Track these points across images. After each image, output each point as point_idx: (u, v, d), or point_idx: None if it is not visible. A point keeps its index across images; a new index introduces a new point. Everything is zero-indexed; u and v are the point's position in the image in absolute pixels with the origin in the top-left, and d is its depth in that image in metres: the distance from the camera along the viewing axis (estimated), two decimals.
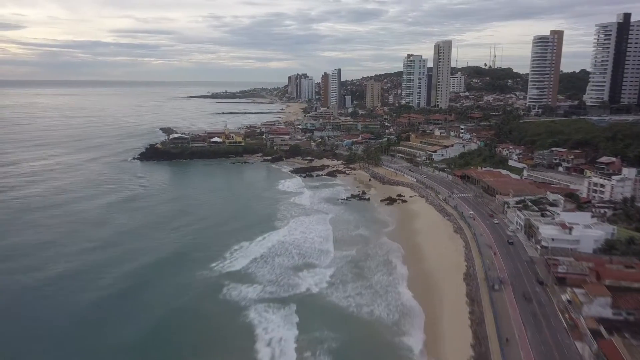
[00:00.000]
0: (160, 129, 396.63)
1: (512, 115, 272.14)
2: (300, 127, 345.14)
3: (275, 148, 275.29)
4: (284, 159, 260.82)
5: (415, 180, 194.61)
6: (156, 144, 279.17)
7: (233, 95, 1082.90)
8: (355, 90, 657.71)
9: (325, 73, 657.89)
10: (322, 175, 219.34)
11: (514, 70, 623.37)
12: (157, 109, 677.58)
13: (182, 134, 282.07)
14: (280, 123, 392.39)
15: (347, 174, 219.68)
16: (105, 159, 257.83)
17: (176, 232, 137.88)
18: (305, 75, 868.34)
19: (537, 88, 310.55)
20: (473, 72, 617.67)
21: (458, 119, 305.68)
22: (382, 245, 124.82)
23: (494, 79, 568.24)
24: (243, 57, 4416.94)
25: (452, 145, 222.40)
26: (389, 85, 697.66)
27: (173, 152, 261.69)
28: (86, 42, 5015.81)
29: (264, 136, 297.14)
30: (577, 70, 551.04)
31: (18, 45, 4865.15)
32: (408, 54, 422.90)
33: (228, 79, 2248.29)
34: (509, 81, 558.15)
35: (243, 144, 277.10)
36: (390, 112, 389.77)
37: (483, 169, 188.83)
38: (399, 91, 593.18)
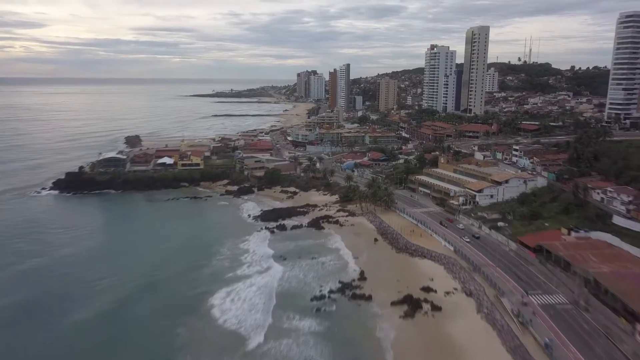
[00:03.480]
0: (126, 137, 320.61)
1: (594, 130, 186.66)
2: (290, 138, 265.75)
3: (246, 173, 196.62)
4: (255, 190, 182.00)
5: (451, 247, 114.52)
6: (84, 167, 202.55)
7: (239, 94, 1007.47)
8: (368, 89, 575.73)
9: (334, 70, 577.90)
10: (302, 226, 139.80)
11: (553, 66, 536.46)
12: (151, 110, 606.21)
13: (120, 152, 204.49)
14: (265, 133, 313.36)
15: (342, 225, 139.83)
16: (10, 189, 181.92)
17: None
18: (314, 72, 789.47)
19: (624, 89, 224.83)
20: (505, 68, 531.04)
21: (502, 131, 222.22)
22: None
23: (531, 76, 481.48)
24: (261, 54, 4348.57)
25: (506, 182, 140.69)
26: (407, 83, 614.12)
27: (99, 180, 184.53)
28: (107, 40, 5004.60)
29: (234, 155, 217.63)
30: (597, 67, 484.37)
31: (41, 44, 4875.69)
32: (432, 45, 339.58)
33: (246, 77, 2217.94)
34: (551, 79, 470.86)
35: (201, 167, 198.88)
36: (408, 118, 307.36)
37: (573, 232, 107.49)
38: (419, 90, 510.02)
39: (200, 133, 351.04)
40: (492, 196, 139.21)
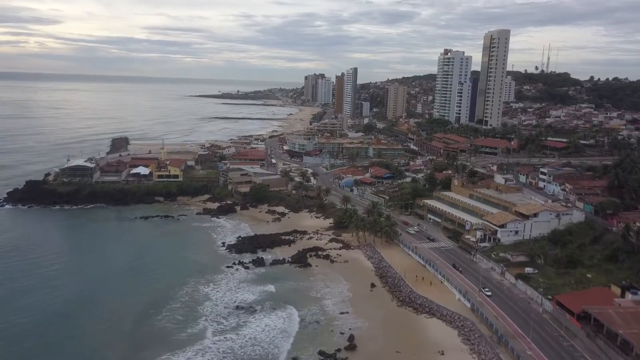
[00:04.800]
0: (112, 140, 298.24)
1: (637, 153, 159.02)
2: (286, 147, 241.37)
3: (230, 188, 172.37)
4: (238, 209, 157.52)
5: (468, 303, 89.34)
6: (50, 174, 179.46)
7: (245, 96, 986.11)
8: (376, 95, 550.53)
9: (342, 73, 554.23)
10: (284, 261, 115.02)
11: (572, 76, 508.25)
12: (152, 110, 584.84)
13: (90, 159, 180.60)
14: (261, 140, 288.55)
15: (333, 261, 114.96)
16: None
17: None
18: (322, 76, 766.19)
19: None
20: (522, 77, 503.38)
21: (525, 148, 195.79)
22: None
23: (550, 86, 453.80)
24: (273, 56, 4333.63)
25: (535, 215, 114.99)
26: (417, 89, 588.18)
27: (61, 192, 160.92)
28: (120, 38, 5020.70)
29: (220, 167, 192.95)
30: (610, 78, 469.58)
31: (56, 40, 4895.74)
32: (445, 50, 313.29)
33: (256, 79, 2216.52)
34: (570, 89, 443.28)
35: (180, 178, 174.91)
36: (418, 129, 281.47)
37: (630, 294, 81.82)
38: (430, 98, 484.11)
39: (193, 137, 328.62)
40: (516, 232, 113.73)
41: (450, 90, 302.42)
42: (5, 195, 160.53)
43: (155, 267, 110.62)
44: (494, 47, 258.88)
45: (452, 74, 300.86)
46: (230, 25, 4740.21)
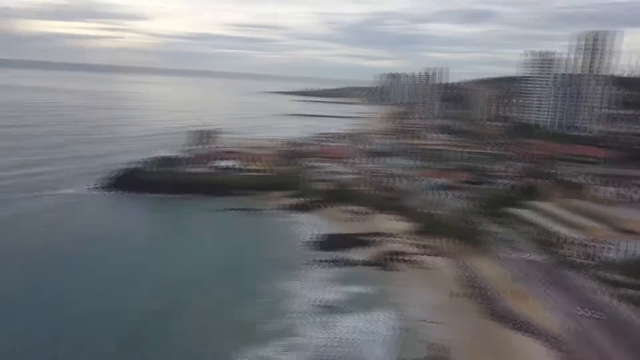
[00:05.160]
0: (198, 132, 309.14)
1: None
2: (366, 147, 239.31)
3: (311, 185, 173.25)
4: (318, 206, 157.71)
5: (567, 324, 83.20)
6: (141, 163, 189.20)
7: (321, 93, 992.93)
8: (457, 96, 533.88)
9: (424, 73, 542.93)
10: (364, 263, 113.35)
11: None
12: (232, 105, 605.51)
13: (180, 150, 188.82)
14: (340, 138, 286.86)
15: (417, 265, 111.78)
16: (58, 184, 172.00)
17: None
18: (400, 75, 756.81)
19: None
20: (617, 82, 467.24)
21: (629, 160, 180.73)
22: None
23: None
24: (350, 54, 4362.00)
25: None
26: (497, 92, 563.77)
27: (153, 180, 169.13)
28: (202, 34, 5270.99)
29: (302, 164, 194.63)
30: None
31: (146, 35, 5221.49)
32: (532, 51, 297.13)
33: (332, 76, 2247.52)
34: None
35: (264, 174, 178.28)
36: (503, 133, 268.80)
37: None
38: (514, 101, 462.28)
39: (274, 133, 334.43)
40: (625, 252, 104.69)
41: (538, 94, 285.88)
42: (102, 181, 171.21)
43: (240, 259, 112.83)
44: (589, 48, 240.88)
45: (539, 77, 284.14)
46: (309, 23, 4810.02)
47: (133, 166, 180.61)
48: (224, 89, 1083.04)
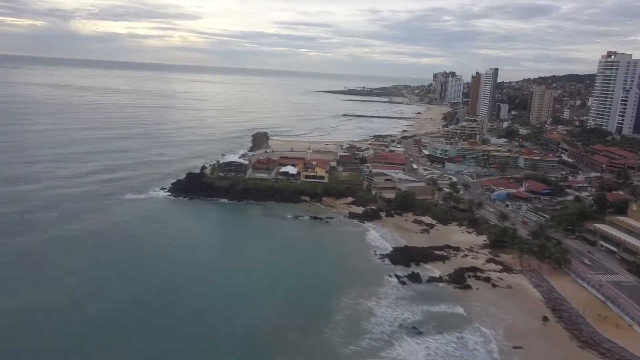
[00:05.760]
0: (253, 135, 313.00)
1: None
2: (426, 152, 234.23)
3: (374, 193, 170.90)
4: (383, 215, 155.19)
5: None
6: (205, 167, 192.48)
7: (371, 93, 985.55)
8: (513, 97, 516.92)
9: (477, 72, 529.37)
10: (441, 279, 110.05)
11: None
12: (282, 105, 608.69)
13: (243, 156, 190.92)
14: (397, 142, 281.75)
15: (494, 285, 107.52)
16: (132, 185, 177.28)
17: None
18: (452, 74, 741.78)
19: None
20: None
21: None
22: None
23: None
24: (396, 52, 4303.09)
25: None
26: (559, 92, 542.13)
27: (218, 185, 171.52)
28: (252, 32, 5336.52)
29: (362, 170, 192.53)
30: None
31: (195, 34, 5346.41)
32: (608, 52, 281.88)
33: (379, 74, 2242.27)
34: None
35: (326, 180, 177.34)
36: (571, 138, 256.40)
37: None
38: (577, 102, 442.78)
39: (327, 135, 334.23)
40: None
41: (612, 97, 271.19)
42: (170, 185, 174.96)
43: (312, 272, 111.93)
44: None
45: (615, 79, 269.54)
46: (356, 20, 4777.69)
47: (200, 171, 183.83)
48: (274, 87, 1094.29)
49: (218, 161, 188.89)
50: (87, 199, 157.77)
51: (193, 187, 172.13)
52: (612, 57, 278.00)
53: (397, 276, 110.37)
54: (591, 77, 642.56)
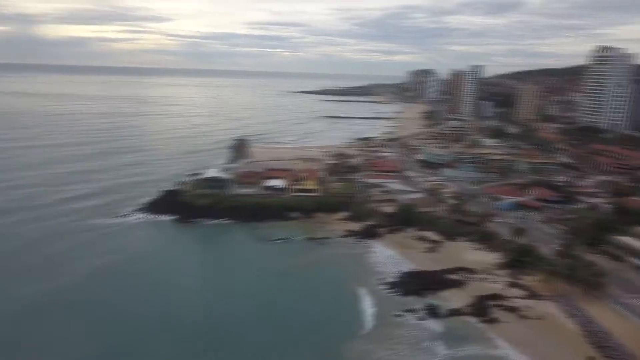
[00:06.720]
0: (233, 142, 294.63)
1: None
2: (419, 157, 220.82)
3: (371, 206, 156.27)
4: (383, 232, 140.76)
5: None
6: (184, 184, 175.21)
7: (347, 92, 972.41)
8: (496, 93, 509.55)
9: (456, 70, 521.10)
10: (461, 312, 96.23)
11: None
12: (260, 108, 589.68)
13: (225, 170, 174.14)
14: (385, 146, 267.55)
15: (521, 315, 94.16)
16: (99, 205, 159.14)
17: None
18: (429, 71, 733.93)
19: None
20: None
21: None
22: None
23: None
24: (369, 49, 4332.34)
25: None
26: (539, 87, 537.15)
27: (199, 204, 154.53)
28: (224, 33, 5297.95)
29: (355, 180, 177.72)
30: None
31: (167, 37, 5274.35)
32: (600, 47, 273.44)
33: (352, 72, 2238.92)
34: None
35: (317, 193, 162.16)
36: (566, 138, 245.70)
37: None
38: (560, 98, 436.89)
39: (311, 140, 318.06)
40: None
41: (605, 94, 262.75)
42: (145, 205, 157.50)
43: (311, 310, 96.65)
44: None
45: (608, 75, 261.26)
46: (329, 19, 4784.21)
47: (178, 188, 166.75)
48: (249, 89, 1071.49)
49: (198, 176, 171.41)
50: (51, 225, 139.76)
51: (171, 207, 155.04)
52: (604, 51, 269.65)
53: (412, 311, 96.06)
54: (567, 72, 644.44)
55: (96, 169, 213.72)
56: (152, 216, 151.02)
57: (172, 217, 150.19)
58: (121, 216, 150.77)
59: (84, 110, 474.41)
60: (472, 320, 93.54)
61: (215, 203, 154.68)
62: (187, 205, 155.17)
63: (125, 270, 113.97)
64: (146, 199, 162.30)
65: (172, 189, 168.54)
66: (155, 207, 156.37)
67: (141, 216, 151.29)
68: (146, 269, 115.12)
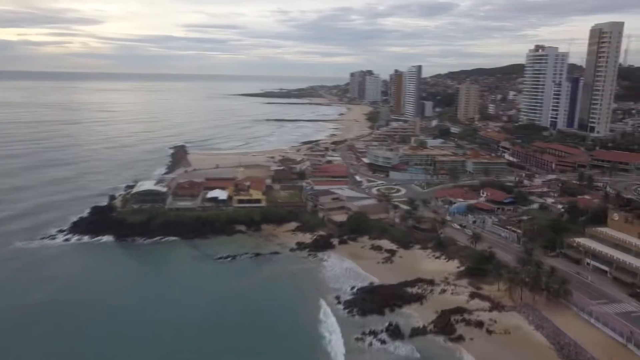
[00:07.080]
0: (172, 150, 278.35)
1: None
2: (366, 160, 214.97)
3: (321, 215, 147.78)
4: (335, 243, 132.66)
5: None
6: (114, 198, 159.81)
7: (288, 94, 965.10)
8: (435, 93, 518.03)
9: (396, 71, 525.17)
10: (425, 330, 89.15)
11: None
12: (199, 112, 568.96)
13: (160, 181, 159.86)
14: (332, 149, 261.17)
15: (489, 329, 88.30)
16: (19, 229, 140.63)
17: None
18: (370, 72, 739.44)
19: None
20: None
21: None
22: None
23: (634, 82, 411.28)
24: (307, 51, 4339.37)
25: None
26: (477, 86, 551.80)
27: (132, 221, 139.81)
28: (159, 36, 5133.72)
29: (304, 189, 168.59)
30: None
31: (98, 40, 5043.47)
32: (536, 46, 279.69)
33: (292, 74, 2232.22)
34: None
35: (263, 203, 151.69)
36: (510, 136, 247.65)
37: None
38: (498, 97, 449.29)
39: (254, 146, 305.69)
40: None
41: (543, 92, 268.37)
42: (71, 225, 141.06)
43: (260, 341, 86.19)
44: (604, 42, 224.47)
45: (545, 73, 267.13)
46: (266, 21, 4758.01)
47: (108, 204, 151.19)
48: (187, 92, 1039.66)
49: (130, 190, 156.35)
50: None
51: (100, 225, 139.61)
52: (540, 50, 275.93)
53: (372, 334, 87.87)
54: (499, 71, 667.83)
55: (22, 185, 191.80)
56: (85, 237, 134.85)
57: (107, 237, 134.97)
58: (50, 238, 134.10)
59: (8, 118, 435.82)
60: (439, 339, 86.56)
61: (150, 219, 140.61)
62: (119, 222, 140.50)
63: (61, 300, 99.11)
64: (78, 218, 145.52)
65: (105, 205, 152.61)
66: (88, 226, 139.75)
67: (74, 238, 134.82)
68: (78, 301, 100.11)
